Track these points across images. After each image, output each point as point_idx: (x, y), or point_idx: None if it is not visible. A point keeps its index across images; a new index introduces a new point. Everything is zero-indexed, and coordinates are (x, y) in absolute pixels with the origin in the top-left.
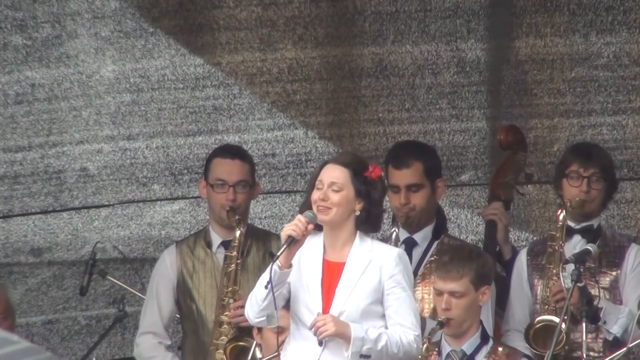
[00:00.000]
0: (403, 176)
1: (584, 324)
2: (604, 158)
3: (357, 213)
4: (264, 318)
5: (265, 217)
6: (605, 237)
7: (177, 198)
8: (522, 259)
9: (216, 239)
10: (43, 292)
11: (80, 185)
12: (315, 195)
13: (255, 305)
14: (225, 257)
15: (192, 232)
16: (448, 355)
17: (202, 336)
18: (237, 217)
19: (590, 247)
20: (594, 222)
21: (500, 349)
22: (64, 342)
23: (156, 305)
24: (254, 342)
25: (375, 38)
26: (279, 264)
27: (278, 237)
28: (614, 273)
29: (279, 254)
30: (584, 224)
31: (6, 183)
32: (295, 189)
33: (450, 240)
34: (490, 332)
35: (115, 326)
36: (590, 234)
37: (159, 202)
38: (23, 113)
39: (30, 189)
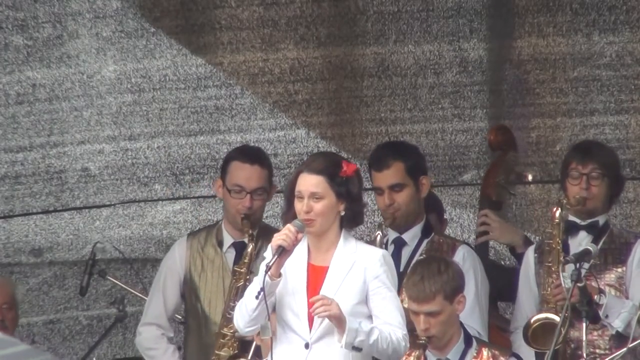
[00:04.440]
0: (384, 177)
1: (584, 323)
2: (605, 155)
3: (342, 213)
4: (254, 327)
5: (267, 216)
6: (612, 233)
7: (178, 198)
8: (530, 256)
9: (228, 239)
10: (44, 292)
11: (81, 185)
12: (298, 206)
13: (245, 315)
14: (235, 272)
15: (204, 226)
16: None
17: (205, 337)
18: (250, 232)
19: (590, 246)
20: (600, 219)
21: (484, 350)
22: (65, 342)
23: (162, 298)
24: (254, 343)
25: (377, 38)
26: (270, 274)
27: None
28: (619, 269)
29: (270, 264)
30: (589, 221)
31: (7, 183)
32: None
33: (441, 238)
34: (484, 329)
35: (116, 326)
36: (595, 230)
37: (160, 202)
38: (24, 113)
39: (31, 189)
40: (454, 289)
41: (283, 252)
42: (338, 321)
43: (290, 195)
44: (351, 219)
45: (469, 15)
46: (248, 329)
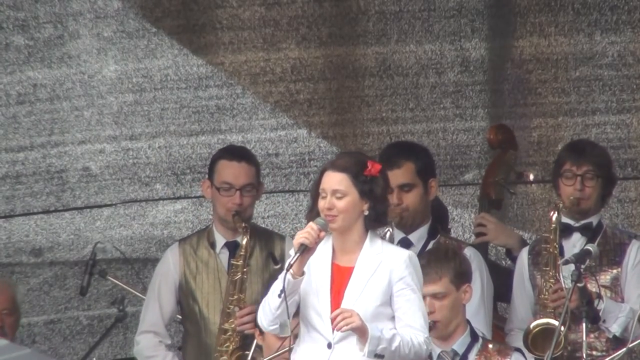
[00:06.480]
0: (394, 176)
1: (584, 324)
2: (599, 155)
3: (366, 213)
4: (277, 326)
5: (268, 216)
6: (605, 234)
7: (179, 198)
8: (524, 257)
9: (220, 239)
10: (45, 292)
11: (82, 185)
12: (321, 204)
13: (268, 313)
14: (232, 265)
15: (195, 231)
16: (439, 356)
17: (205, 338)
18: (244, 225)
19: (591, 247)
20: (593, 220)
21: (490, 345)
22: (66, 342)
23: (158, 305)
24: (254, 343)
25: (378, 37)
26: (292, 272)
27: (281, 237)
28: (614, 270)
29: (291, 262)
30: (583, 222)
31: (8, 183)
32: (298, 188)
33: (447, 240)
34: (488, 331)
35: (117, 326)
36: (589, 232)
37: (161, 201)
38: (25, 113)
39: (32, 188)
40: (461, 275)
41: (305, 250)
42: (360, 331)
43: (315, 194)
44: (374, 219)
45: (470, 14)
46: (272, 327)
